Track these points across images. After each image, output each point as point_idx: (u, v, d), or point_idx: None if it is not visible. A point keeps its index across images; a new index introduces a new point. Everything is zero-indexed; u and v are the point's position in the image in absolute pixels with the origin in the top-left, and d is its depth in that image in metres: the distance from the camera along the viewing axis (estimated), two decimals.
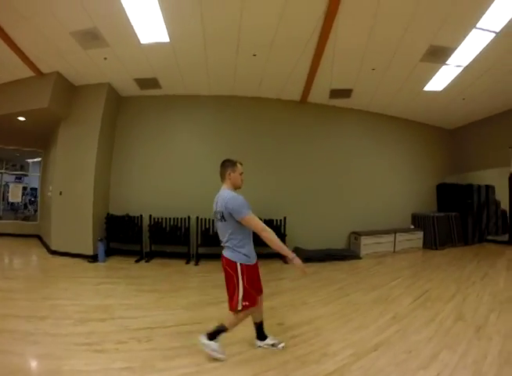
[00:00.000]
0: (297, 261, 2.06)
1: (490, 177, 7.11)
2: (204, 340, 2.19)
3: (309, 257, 5.47)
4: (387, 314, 3.03)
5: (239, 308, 2.10)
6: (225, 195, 2.12)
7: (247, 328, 2.37)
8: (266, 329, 2.41)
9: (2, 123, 5.68)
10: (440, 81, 5.51)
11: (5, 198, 7.28)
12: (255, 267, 2.22)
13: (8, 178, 7.58)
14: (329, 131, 6.54)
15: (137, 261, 5.17)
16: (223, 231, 2.18)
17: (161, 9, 3.66)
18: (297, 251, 5.60)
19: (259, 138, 6.12)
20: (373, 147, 6.92)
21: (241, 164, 2.29)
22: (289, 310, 3.15)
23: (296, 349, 2.30)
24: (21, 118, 5.46)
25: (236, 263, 2.11)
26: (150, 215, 5.42)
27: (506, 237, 6.82)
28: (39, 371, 1.98)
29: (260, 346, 2.35)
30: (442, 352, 2.24)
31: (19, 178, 7.79)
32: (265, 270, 4.91)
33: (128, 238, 5.34)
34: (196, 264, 5.18)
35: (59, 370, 1.98)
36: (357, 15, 3.85)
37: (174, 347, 2.34)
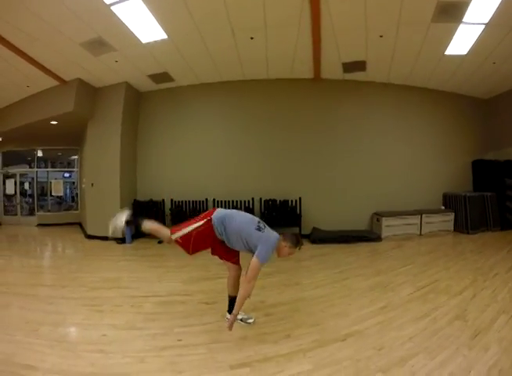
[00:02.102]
0: (231, 320, 2.15)
1: None
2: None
3: (325, 238, 5.52)
4: (377, 303, 2.89)
5: (174, 237, 2.30)
6: (272, 238, 2.24)
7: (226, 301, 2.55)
8: (247, 304, 2.48)
9: (39, 127, 6.67)
10: (462, 43, 4.91)
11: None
12: (216, 240, 2.32)
13: (56, 175, 8.92)
14: (348, 107, 6.38)
15: (159, 242, 5.67)
16: (233, 229, 2.26)
17: (149, 9, 3.97)
18: (314, 231, 5.82)
19: (274, 119, 6.29)
20: (397, 122, 6.57)
21: (299, 250, 2.35)
22: (278, 290, 3.27)
23: (262, 327, 2.43)
24: (54, 122, 6.38)
25: (211, 219, 2.26)
26: (172, 200, 6.04)
27: None
28: (47, 321, 2.51)
29: (228, 319, 2.42)
30: (418, 356, 2.00)
31: (66, 175, 9.11)
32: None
33: None
34: None
35: (63, 322, 2.54)
36: None
37: (157, 312, 2.72)
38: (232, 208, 5.62)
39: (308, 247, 5.39)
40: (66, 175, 9.10)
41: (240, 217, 2.35)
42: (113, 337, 2.27)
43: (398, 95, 6.57)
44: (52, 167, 8.92)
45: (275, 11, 4.14)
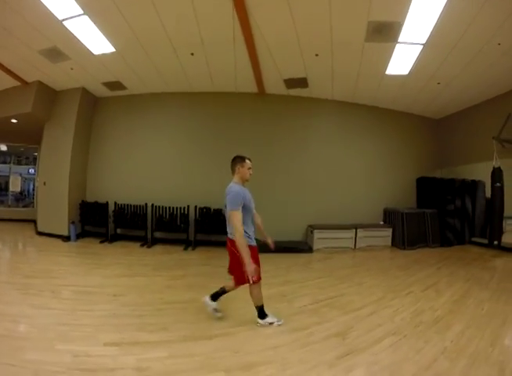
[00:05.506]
0: (250, 268, 2.72)
1: (481, 172, 7.13)
2: (261, 321, 3.05)
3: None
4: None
5: (251, 282, 2.87)
6: (229, 189, 2.90)
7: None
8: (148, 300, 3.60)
9: (1, 124, 7.95)
10: (402, 62, 5.76)
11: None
12: (255, 248, 2.96)
13: (20, 170, 10.31)
14: (292, 122, 7.52)
15: (101, 242, 7.03)
16: (227, 217, 2.95)
17: (96, 25, 5.04)
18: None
19: (219, 130, 7.43)
20: (343, 138, 7.71)
21: (250, 160, 3.07)
22: (181, 290, 4.18)
23: (148, 318, 3.24)
24: (14, 120, 7.67)
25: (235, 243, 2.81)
26: (115, 202, 7.20)
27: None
28: None
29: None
30: (270, 364, 2.39)
31: (31, 170, 10.44)
32: (203, 256, 6.29)
33: (96, 222, 7.25)
34: (150, 247, 6.81)
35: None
36: (267, 1, 4.39)
37: (70, 298, 3.78)
38: (167, 215, 6.95)
39: None
40: (31, 170, 10.42)
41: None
42: (28, 313, 3.29)
43: (343, 112, 7.69)
44: (18, 162, 10.28)
45: (209, 29, 5.08)
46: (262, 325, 3.07)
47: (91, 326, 3.05)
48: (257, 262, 2.97)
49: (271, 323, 3.06)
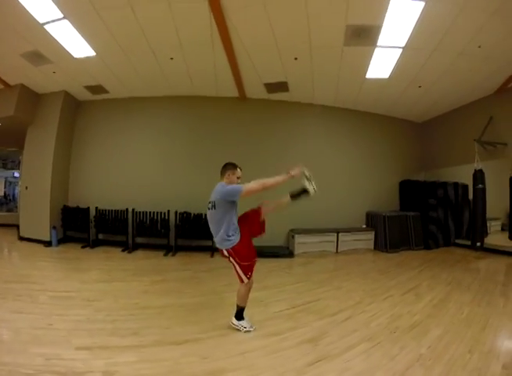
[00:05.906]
0: (295, 172, 3.14)
1: (463, 174, 7.31)
2: (235, 321, 3.17)
3: None
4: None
5: (246, 281, 3.06)
6: (219, 187, 3.02)
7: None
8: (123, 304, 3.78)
9: None
10: (382, 66, 5.96)
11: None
12: (242, 240, 3.04)
13: (5, 174, 10.43)
14: (273, 126, 7.73)
15: (83, 247, 7.16)
16: (212, 220, 3.07)
17: (76, 29, 5.21)
18: None
19: (199, 137, 7.62)
20: (326, 142, 7.93)
21: (241, 170, 3.20)
22: (157, 295, 4.30)
23: (121, 323, 3.35)
24: None
25: (223, 251, 3.07)
26: (96, 208, 7.34)
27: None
28: None
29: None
30: (237, 371, 2.42)
31: (16, 174, 10.50)
32: (183, 261, 6.40)
33: (77, 227, 7.39)
34: (131, 252, 6.96)
35: None
36: (244, 5, 4.55)
37: (47, 303, 3.89)
38: (148, 220, 7.12)
39: (215, 260, 6.54)
40: (16, 174, 10.48)
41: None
42: (5, 317, 3.40)
43: (326, 115, 7.85)
44: (4, 165, 10.37)
45: (187, 32, 5.21)
46: (235, 326, 3.17)
47: (64, 330, 3.16)
48: (248, 253, 3.10)
49: (244, 327, 3.15)
